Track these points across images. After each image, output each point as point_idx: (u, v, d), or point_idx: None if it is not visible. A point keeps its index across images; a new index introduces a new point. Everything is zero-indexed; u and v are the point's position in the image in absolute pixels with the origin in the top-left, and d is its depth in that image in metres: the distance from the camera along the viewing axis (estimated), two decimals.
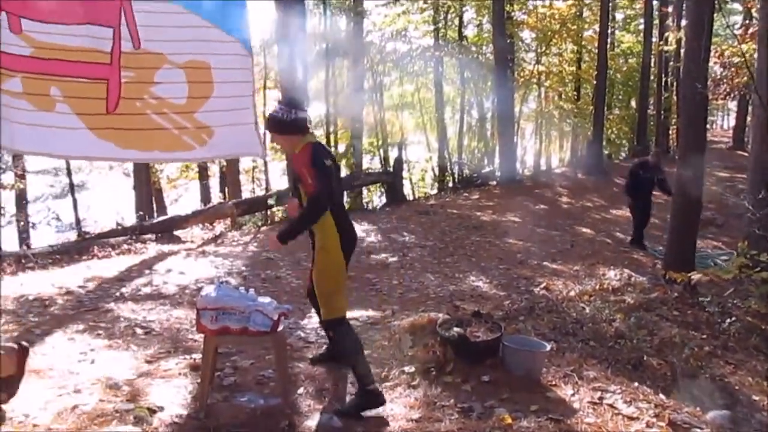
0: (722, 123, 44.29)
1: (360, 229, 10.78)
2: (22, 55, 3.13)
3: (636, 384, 4.09)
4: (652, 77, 22.22)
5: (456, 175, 20.32)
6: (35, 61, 3.16)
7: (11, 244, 15.91)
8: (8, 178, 15.71)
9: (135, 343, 4.84)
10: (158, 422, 3.42)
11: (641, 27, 22.45)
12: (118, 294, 6.45)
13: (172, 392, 3.81)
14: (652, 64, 21.94)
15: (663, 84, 21.89)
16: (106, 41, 3.19)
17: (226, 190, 16.31)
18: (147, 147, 3.45)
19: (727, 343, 5.28)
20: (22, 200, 17.16)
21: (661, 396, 3.91)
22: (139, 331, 5.18)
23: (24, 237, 16.17)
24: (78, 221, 17.41)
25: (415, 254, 8.99)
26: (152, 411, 3.51)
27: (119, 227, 11.32)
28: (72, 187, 19.00)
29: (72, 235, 14.95)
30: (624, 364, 4.48)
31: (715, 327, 5.60)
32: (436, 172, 21.64)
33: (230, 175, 16.25)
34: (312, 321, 5.62)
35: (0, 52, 3.11)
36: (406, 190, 19.39)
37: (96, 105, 3.27)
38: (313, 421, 3.50)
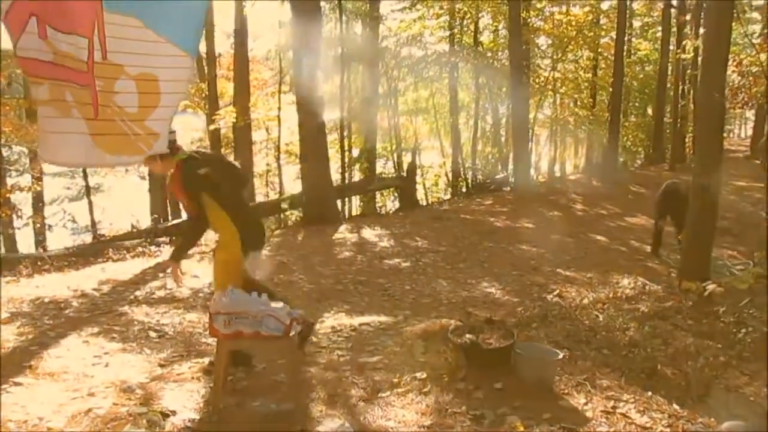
0: (739, 132, 43.83)
1: (372, 233, 10.79)
2: (46, 61, 3.22)
3: (650, 393, 4.05)
4: (669, 85, 22.07)
5: (469, 181, 20.28)
6: (56, 67, 3.25)
7: (28, 246, 16.08)
8: (25, 180, 15.88)
9: (148, 347, 4.87)
10: (171, 426, 3.43)
11: (659, 35, 22.34)
12: (132, 297, 6.51)
13: (185, 396, 3.83)
14: (669, 72, 21.80)
15: (680, 92, 21.74)
16: (84, 51, 3.28)
17: None
18: (118, 151, 3.57)
19: (743, 354, 5.22)
20: (38, 202, 17.32)
21: (675, 406, 3.87)
22: (152, 334, 5.22)
23: (40, 239, 16.31)
24: (93, 224, 17.55)
25: (427, 260, 8.98)
26: (165, 415, 3.53)
27: (134, 230, 11.41)
28: (88, 190, 19.16)
29: (87, 238, 15.07)
30: (638, 373, 4.45)
31: (731, 337, 5.54)
32: (450, 178, 21.60)
33: None
34: (324, 325, 5.63)
35: (33, 59, 3.21)
36: (420, 195, 19.39)
37: (89, 110, 3.38)
38: (325, 426, 3.50)
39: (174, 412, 3.58)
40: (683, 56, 18.00)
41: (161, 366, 4.42)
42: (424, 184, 21.85)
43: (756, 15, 20.79)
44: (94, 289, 6.75)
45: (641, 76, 24.98)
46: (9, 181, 15.83)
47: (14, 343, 4.79)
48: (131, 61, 3.46)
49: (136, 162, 3.86)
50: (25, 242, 16.86)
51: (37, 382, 4.02)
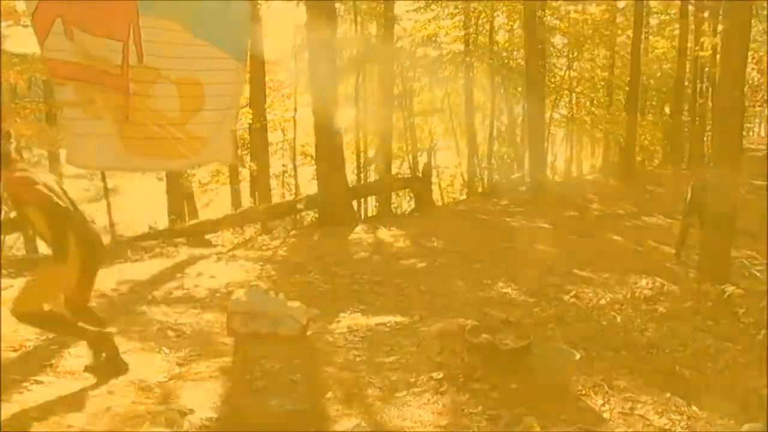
0: (759, 130, 43.23)
1: (388, 234, 10.79)
2: (72, 62, 3.24)
3: (668, 395, 4.02)
4: (686, 83, 21.85)
5: (485, 181, 20.20)
6: (83, 69, 3.26)
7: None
8: None
9: (167, 346, 4.90)
10: (189, 425, 3.46)
11: (676, 32, 22.12)
12: (150, 297, 6.56)
13: (203, 395, 3.86)
14: (687, 70, 21.58)
15: (698, 90, 21.51)
16: (117, 54, 3.29)
17: (257, 194, 16.46)
18: (154, 156, 3.56)
19: (762, 355, 5.16)
20: None
21: (694, 408, 3.84)
22: (170, 333, 5.25)
23: None
24: (112, 225, 17.69)
25: (443, 260, 8.96)
26: (183, 414, 3.55)
27: (152, 231, 11.50)
28: (106, 191, 19.32)
29: (106, 239, 15.19)
30: (656, 374, 4.41)
31: (750, 338, 5.48)
32: (466, 178, 21.55)
33: (260, 180, 16.39)
34: (340, 325, 5.64)
35: (58, 60, 3.23)
36: (435, 195, 19.35)
37: (120, 113, 3.39)
38: (341, 426, 3.51)
39: (192, 411, 3.60)
40: (701, 54, 17.84)
41: (179, 365, 4.45)
42: (439, 185, 21.82)
43: None
44: (113, 290, 6.80)
45: (658, 74, 24.73)
46: None
47: (35, 342, 4.85)
48: (170, 65, 3.44)
49: (179, 167, 3.85)
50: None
51: (57, 381, 4.06)
